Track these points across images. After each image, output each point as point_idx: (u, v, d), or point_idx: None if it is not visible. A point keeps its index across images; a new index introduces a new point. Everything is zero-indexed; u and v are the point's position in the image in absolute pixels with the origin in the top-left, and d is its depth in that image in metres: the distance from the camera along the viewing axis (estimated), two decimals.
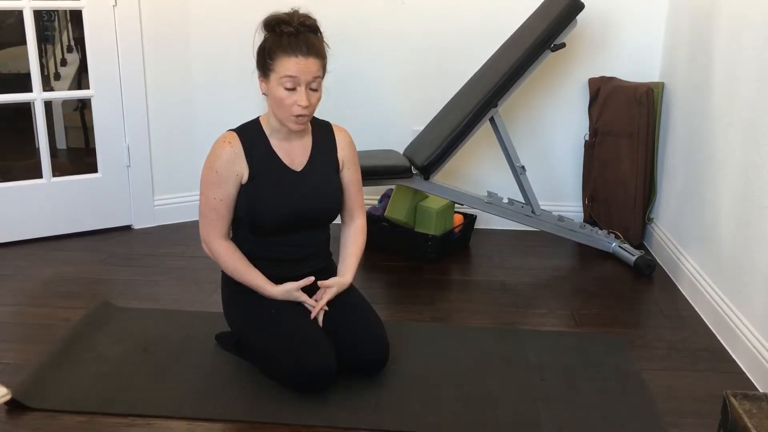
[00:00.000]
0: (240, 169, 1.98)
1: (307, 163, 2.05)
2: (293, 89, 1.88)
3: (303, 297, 2.03)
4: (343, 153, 2.12)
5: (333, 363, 1.94)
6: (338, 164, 2.12)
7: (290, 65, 1.86)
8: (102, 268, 2.88)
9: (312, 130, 2.10)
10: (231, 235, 2.09)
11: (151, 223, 3.38)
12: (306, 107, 1.90)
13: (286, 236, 2.05)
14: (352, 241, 2.17)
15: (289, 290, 2.02)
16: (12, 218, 3.09)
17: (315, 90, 1.92)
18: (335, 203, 2.11)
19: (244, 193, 1.99)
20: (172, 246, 3.13)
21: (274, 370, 2.01)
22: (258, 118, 2.06)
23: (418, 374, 2.09)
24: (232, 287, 2.10)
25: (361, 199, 2.20)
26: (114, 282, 2.74)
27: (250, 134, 2.01)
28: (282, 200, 1.99)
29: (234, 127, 2.04)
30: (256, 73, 1.97)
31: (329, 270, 2.18)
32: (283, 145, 2.03)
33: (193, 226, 3.41)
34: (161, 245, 3.14)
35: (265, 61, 1.92)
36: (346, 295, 2.10)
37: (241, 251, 2.06)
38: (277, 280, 2.04)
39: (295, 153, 2.05)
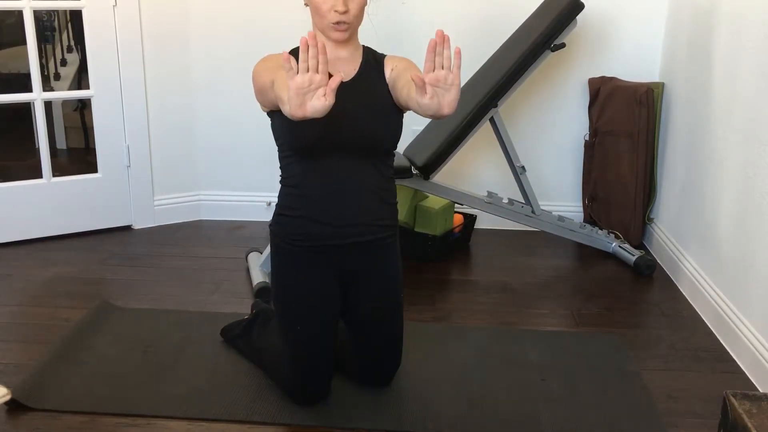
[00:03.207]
0: (287, 57, 1.74)
1: (355, 76, 1.84)
2: None
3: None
4: (390, 64, 1.87)
5: (327, 393, 1.96)
6: (389, 86, 1.85)
7: None
8: (102, 268, 2.88)
9: (364, 53, 1.89)
10: (280, 165, 1.89)
11: (151, 223, 3.38)
12: (344, 13, 1.74)
13: (329, 162, 1.80)
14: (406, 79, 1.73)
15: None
16: (12, 218, 3.09)
17: None
18: (386, 126, 1.83)
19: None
20: (172, 246, 3.13)
21: (276, 366, 2.01)
22: None
23: (418, 374, 2.09)
24: (281, 270, 1.91)
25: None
26: (114, 282, 2.74)
27: (292, 50, 1.85)
28: None
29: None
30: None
31: (387, 247, 1.95)
32: (329, 57, 1.81)
33: (193, 226, 3.41)
34: (161, 245, 3.14)
35: None
36: (386, 313, 1.97)
37: (292, 194, 1.86)
38: (323, 237, 1.84)
39: (340, 65, 1.83)
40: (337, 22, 1.76)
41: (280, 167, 1.90)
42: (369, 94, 1.84)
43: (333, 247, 1.86)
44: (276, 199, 1.94)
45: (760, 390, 2.04)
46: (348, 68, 1.86)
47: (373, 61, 1.90)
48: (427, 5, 3.20)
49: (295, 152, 1.83)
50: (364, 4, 1.80)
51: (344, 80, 1.81)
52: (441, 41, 1.45)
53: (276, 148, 1.90)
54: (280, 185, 1.91)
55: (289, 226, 1.87)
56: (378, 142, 1.84)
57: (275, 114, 1.82)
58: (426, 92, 1.49)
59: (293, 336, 1.91)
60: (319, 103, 1.45)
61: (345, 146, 1.80)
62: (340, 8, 1.74)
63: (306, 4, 1.83)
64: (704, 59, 2.61)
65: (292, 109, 1.46)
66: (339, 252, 1.87)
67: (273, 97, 1.67)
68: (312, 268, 1.88)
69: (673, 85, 2.97)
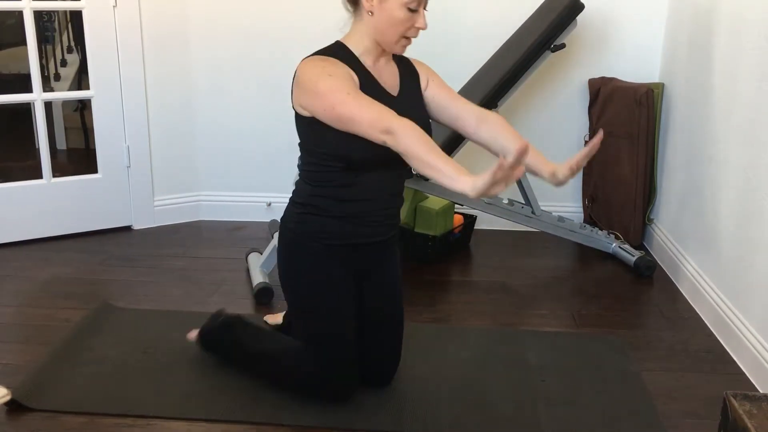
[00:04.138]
0: (351, 72, 1.77)
1: (399, 89, 1.89)
2: (416, 10, 1.76)
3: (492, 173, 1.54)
4: (424, 75, 1.96)
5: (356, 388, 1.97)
6: (422, 92, 1.95)
7: None
8: (102, 268, 2.88)
9: (393, 59, 1.94)
10: (314, 175, 1.87)
11: (151, 223, 3.38)
12: (423, 30, 1.79)
13: (373, 174, 1.85)
14: (516, 141, 1.86)
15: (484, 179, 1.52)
16: (12, 219, 3.09)
17: (426, 10, 1.81)
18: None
19: None
20: (172, 246, 3.13)
21: (288, 371, 1.97)
22: (337, 42, 1.85)
23: (418, 375, 2.09)
24: (310, 268, 1.90)
25: (471, 103, 1.96)
26: (114, 283, 2.74)
27: (340, 55, 1.80)
28: None
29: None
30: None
31: (394, 244, 2.02)
32: (374, 68, 1.85)
33: (193, 226, 3.41)
34: (161, 246, 3.14)
35: None
36: (394, 311, 2.02)
37: (326, 196, 1.85)
38: (351, 236, 1.89)
39: (385, 77, 1.87)
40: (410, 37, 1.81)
41: (312, 171, 1.86)
42: (413, 109, 1.87)
43: (357, 245, 1.91)
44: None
45: (761, 391, 2.04)
46: (391, 80, 1.88)
47: (404, 69, 1.93)
48: (427, 6, 3.19)
49: (342, 163, 1.82)
50: None
51: (393, 95, 1.86)
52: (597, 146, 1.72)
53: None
54: (308, 186, 1.88)
55: (319, 225, 1.87)
56: None
57: (329, 129, 1.75)
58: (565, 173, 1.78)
59: (330, 332, 1.89)
60: (502, 190, 1.52)
61: (389, 160, 1.79)
62: (424, 25, 1.79)
63: (369, 12, 1.77)
64: (704, 59, 2.61)
65: (481, 190, 1.50)
66: (361, 250, 1.92)
67: (370, 134, 1.66)
68: (339, 266, 1.91)
69: (673, 85, 2.97)
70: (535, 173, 1.86)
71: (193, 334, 2.19)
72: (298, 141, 1.89)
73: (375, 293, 1.98)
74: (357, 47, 1.83)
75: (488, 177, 1.48)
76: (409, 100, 1.90)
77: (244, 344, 2.09)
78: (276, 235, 2.68)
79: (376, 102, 1.69)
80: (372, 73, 1.83)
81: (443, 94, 1.96)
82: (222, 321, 2.14)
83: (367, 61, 1.83)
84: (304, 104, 1.77)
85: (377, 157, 1.78)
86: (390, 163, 1.80)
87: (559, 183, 1.81)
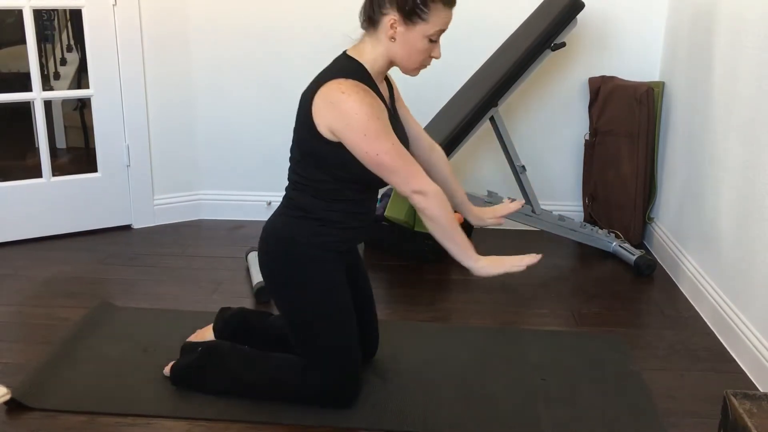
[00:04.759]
0: (385, 108, 1.82)
1: (390, 105, 1.93)
2: (435, 41, 1.80)
3: (510, 261, 1.96)
4: (395, 89, 2.02)
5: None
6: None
7: (447, 18, 1.77)
8: (102, 267, 2.88)
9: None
10: (325, 198, 1.89)
11: (151, 222, 3.38)
12: (437, 59, 1.86)
13: (374, 193, 1.96)
14: (454, 179, 2.10)
15: (502, 261, 1.95)
16: (12, 218, 3.09)
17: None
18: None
19: None
20: (172, 246, 3.13)
21: (284, 384, 1.93)
22: (352, 59, 1.83)
23: (418, 374, 2.09)
24: (324, 279, 1.90)
25: (421, 126, 2.10)
26: (114, 282, 2.74)
27: (365, 80, 1.80)
28: None
29: (343, 77, 1.76)
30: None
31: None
32: (380, 87, 1.88)
33: (193, 225, 3.41)
34: (161, 245, 3.14)
35: (417, 7, 1.72)
36: (366, 287, 2.10)
37: (343, 211, 1.88)
38: (359, 239, 2.01)
39: (384, 94, 1.90)
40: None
41: (324, 188, 1.85)
42: (400, 126, 1.96)
43: (354, 248, 2.06)
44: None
45: (761, 390, 2.04)
46: (387, 96, 1.92)
47: (387, 82, 1.97)
48: None
49: (358, 185, 1.87)
50: None
51: (392, 112, 1.92)
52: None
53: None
54: (320, 202, 1.86)
55: (335, 237, 1.90)
56: None
57: (354, 159, 1.78)
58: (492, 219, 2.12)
59: (343, 338, 1.90)
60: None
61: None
62: (439, 55, 1.84)
63: (392, 38, 1.77)
64: (704, 59, 2.61)
65: (490, 276, 1.97)
66: (355, 249, 2.08)
67: (398, 186, 1.79)
68: (343, 270, 1.96)
69: (673, 84, 2.97)
70: (463, 213, 2.11)
71: (168, 368, 2.04)
72: (302, 152, 1.86)
73: (357, 276, 2.06)
74: (372, 66, 1.83)
75: (503, 270, 1.93)
76: (398, 117, 1.97)
77: (234, 374, 1.96)
78: None
79: (411, 157, 1.80)
80: (382, 93, 1.86)
81: (406, 112, 2.04)
82: (200, 353, 2.00)
83: (377, 80, 1.86)
84: (338, 132, 1.75)
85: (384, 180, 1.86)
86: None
87: (485, 225, 2.12)
